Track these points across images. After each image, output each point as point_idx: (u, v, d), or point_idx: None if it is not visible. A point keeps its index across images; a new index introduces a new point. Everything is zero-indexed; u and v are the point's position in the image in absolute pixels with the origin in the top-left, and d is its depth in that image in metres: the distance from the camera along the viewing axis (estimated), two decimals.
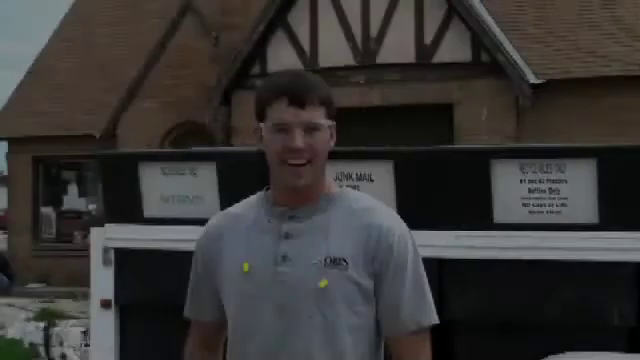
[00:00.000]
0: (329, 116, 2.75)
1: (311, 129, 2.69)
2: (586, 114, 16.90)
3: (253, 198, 2.90)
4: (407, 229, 2.82)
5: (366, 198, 2.88)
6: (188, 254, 3.01)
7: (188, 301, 2.96)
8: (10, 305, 18.38)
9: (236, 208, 2.93)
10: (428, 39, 17.77)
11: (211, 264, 2.85)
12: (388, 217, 2.80)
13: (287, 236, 2.74)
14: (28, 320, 10.98)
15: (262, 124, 2.74)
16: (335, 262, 2.68)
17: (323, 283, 2.66)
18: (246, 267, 2.74)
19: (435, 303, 2.98)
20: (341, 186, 2.94)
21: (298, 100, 2.67)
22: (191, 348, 2.98)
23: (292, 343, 2.67)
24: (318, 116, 2.70)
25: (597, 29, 18.45)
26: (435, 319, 2.79)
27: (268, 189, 2.86)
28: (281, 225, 2.75)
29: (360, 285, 2.69)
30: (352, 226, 2.74)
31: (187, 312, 2.97)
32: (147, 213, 7.66)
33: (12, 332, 10.26)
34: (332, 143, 2.79)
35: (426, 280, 2.82)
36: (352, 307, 2.69)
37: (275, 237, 2.75)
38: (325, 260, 2.69)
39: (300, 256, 2.71)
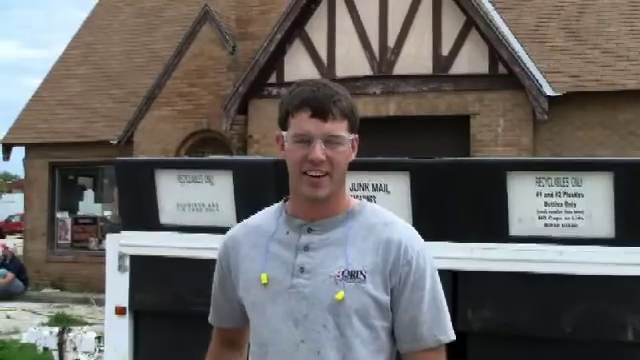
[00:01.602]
0: (351, 129, 2.75)
1: (332, 142, 2.68)
2: (603, 128, 16.87)
3: (272, 208, 2.90)
4: (425, 244, 2.82)
5: (384, 212, 2.88)
6: (203, 262, 3.03)
7: (212, 310, 2.98)
8: (25, 310, 18.42)
9: (255, 219, 2.93)
10: (445, 50, 17.77)
11: (230, 274, 2.87)
12: (407, 232, 2.80)
13: (305, 248, 2.74)
14: (42, 325, 11.00)
15: (284, 133, 2.74)
16: (353, 275, 2.68)
17: (339, 296, 2.66)
18: (264, 278, 2.74)
19: (449, 315, 2.99)
20: (360, 198, 2.92)
21: (321, 112, 2.67)
22: (212, 348, 3.00)
23: (307, 354, 2.67)
24: (340, 129, 2.70)
25: (615, 42, 18.42)
26: (452, 336, 2.80)
27: (287, 200, 2.86)
28: (300, 237, 2.76)
29: (377, 299, 2.69)
30: (370, 240, 2.74)
31: (211, 319, 2.99)
32: (163, 220, 7.68)
33: (26, 337, 10.28)
34: (353, 155, 2.79)
35: (443, 296, 2.82)
36: (367, 321, 2.69)
37: (293, 249, 2.75)
38: (342, 273, 2.69)
39: (317, 269, 2.71)
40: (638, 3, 19.18)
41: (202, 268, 2.99)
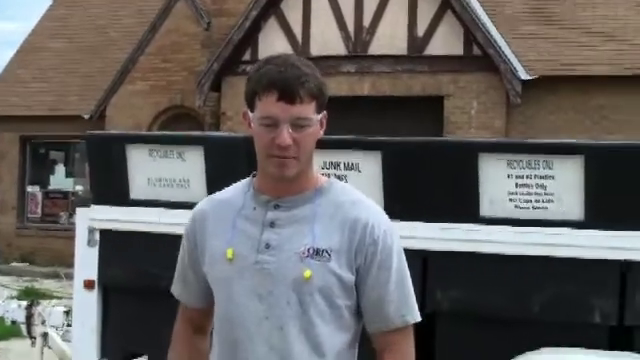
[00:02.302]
0: (320, 108, 2.71)
1: (300, 125, 2.65)
2: (575, 112, 16.96)
3: (240, 184, 2.88)
4: (391, 224, 2.80)
5: (352, 191, 2.86)
6: (174, 237, 3.01)
7: (175, 282, 2.96)
8: None
9: (222, 194, 2.91)
10: (420, 31, 17.78)
11: (197, 249, 2.84)
12: (373, 211, 2.78)
13: (272, 225, 2.72)
14: (11, 298, 10.94)
15: (251, 114, 2.71)
16: (318, 253, 2.66)
17: (307, 274, 2.65)
18: (230, 253, 2.72)
19: (418, 295, 2.98)
20: (328, 176, 2.91)
21: (288, 95, 2.62)
22: (179, 328, 2.97)
23: (270, 329, 2.66)
24: (308, 111, 2.66)
25: (589, 29, 18.49)
26: (418, 316, 2.79)
27: (255, 176, 2.84)
28: (266, 213, 2.73)
29: (341, 278, 2.67)
30: (337, 219, 2.72)
31: (174, 291, 2.97)
32: (133, 195, 7.65)
33: None
34: (321, 132, 2.76)
35: (409, 276, 2.80)
36: (331, 299, 2.68)
37: (259, 225, 2.73)
38: (308, 250, 2.67)
39: (283, 245, 2.69)
40: None
41: (172, 244, 2.97)
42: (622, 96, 16.99)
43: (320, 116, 2.73)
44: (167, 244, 3.05)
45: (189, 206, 3.03)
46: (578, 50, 18.04)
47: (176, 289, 2.95)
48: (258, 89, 2.68)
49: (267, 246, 2.69)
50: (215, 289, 2.79)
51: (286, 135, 2.62)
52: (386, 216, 2.81)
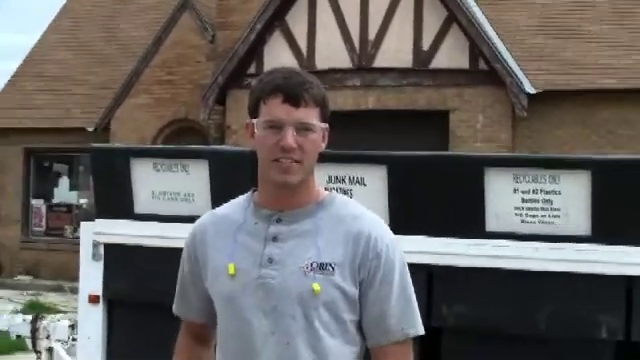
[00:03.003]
0: (323, 118, 2.72)
1: (304, 129, 2.65)
2: (581, 126, 16.95)
3: (239, 199, 2.88)
4: (394, 238, 2.80)
5: (354, 204, 2.86)
6: (178, 251, 3.00)
7: (176, 300, 2.95)
8: None
9: (223, 209, 2.91)
10: (426, 45, 17.80)
11: (197, 264, 2.84)
12: (376, 225, 2.78)
13: (274, 239, 2.71)
14: (15, 312, 10.96)
15: (255, 120, 2.71)
16: (322, 267, 2.66)
17: (314, 287, 2.64)
18: (231, 269, 2.71)
19: (424, 310, 2.98)
20: (330, 190, 2.91)
21: (293, 98, 2.64)
22: (182, 343, 2.97)
23: (277, 344, 2.65)
24: (312, 116, 2.67)
25: (596, 42, 18.49)
26: (421, 330, 2.78)
27: (255, 190, 2.84)
28: (268, 227, 2.73)
29: (345, 292, 2.67)
30: (340, 232, 2.71)
31: (176, 310, 2.96)
32: (138, 209, 7.66)
33: (0, 324, 10.25)
34: (323, 145, 2.75)
35: (412, 290, 2.80)
36: (336, 313, 2.67)
37: (262, 240, 2.72)
38: (312, 265, 2.66)
39: (286, 259, 2.68)
40: (619, 5, 19.25)
41: (176, 257, 2.97)
42: (629, 110, 16.99)
43: (323, 126, 2.73)
44: (172, 258, 3.05)
45: (193, 220, 3.03)
46: (584, 64, 18.03)
47: (177, 307, 2.95)
48: (263, 95, 2.69)
49: (270, 260, 2.69)
50: (218, 304, 2.78)
51: (291, 137, 2.62)
52: (389, 230, 2.81)
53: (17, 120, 23.28)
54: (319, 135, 2.71)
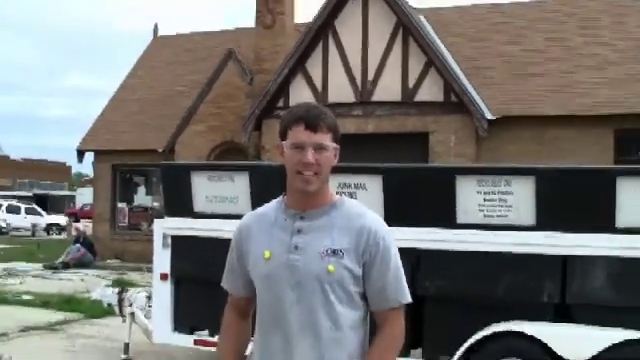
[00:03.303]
0: (335, 140, 2.72)
1: (320, 149, 2.66)
2: (531, 143, 16.81)
3: (274, 202, 2.86)
4: (389, 230, 2.79)
5: (359, 205, 2.84)
6: (226, 241, 3.01)
7: (224, 277, 2.94)
8: (94, 275, 18.43)
9: (261, 209, 2.89)
10: (411, 83, 17.75)
11: (242, 252, 2.83)
12: (375, 221, 2.77)
13: (298, 232, 2.71)
14: (106, 286, 10.99)
15: (284, 142, 2.72)
16: (334, 253, 2.66)
17: (329, 268, 2.65)
18: (267, 254, 2.71)
19: (411, 283, 2.99)
20: (340, 194, 2.90)
21: (312, 126, 2.65)
22: (227, 315, 2.95)
23: (301, 310, 2.66)
24: (326, 139, 2.67)
25: (541, 78, 18.35)
26: (409, 299, 2.78)
27: (285, 195, 2.84)
28: (294, 223, 2.73)
29: (352, 271, 2.67)
30: (348, 226, 2.71)
31: (224, 284, 2.94)
32: (196, 209, 7.70)
33: (95, 295, 10.27)
34: (335, 161, 2.75)
35: (402, 268, 2.79)
36: (345, 287, 2.67)
37: (289, 232, 2.72)
38: (327, 251, 2.66)
39: (308, 247, 2.68)
40: (556, 40, 19.09)
41: (225, 246, 2.98)
42: (569, 130, 16.83)
43: (335, 146, 2.72)
44: (221, 246, 3.06)
45: (238, 217, 3.04)
46: (533, 94, 17.88)
47: (225, 283, 2.92)
48: (290, 123, 2.69)
49: (295, 248, 2.68)
50: (257, 282, 2.77)
51: (310, 156, 2.63)
52: (385, 224, 2.80)
53: (106, 144, 23.37)
54: (332, 153, 2.71)
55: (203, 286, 7.20)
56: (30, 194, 52.98)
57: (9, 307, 13.02)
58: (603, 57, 18.51)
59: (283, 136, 2.74)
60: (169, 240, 7.78)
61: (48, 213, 43.87)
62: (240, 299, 2.92)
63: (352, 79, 18.31)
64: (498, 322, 6.51)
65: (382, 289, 2.72)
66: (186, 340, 7.70)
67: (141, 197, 24.15)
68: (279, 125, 2.80)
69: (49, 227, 40.65)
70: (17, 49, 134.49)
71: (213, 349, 6.82)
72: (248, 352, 2.91)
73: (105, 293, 9.78)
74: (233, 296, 2.94)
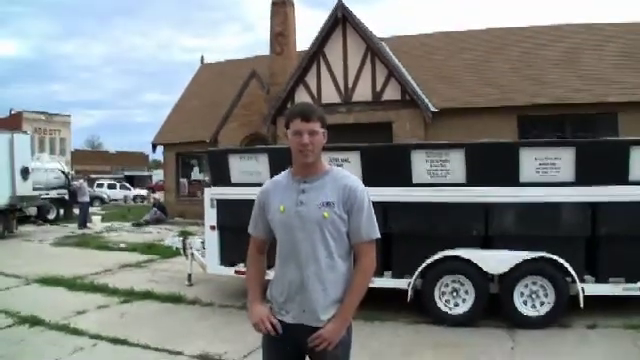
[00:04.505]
0: (323, 127, 2.69)
1: (313, 133, 2.63)
2: (466, 130, 16.55)
3: (284, 172, 2.82)
4: (364, 188, 2.74)
5: (344, 171, 2.80)
6: (252, 201, 2.96)
7: (250, 225, 2.89)
8: (166, 229, 18.44)
9: (276, 177, 2.84)
10: (378, 88, 17.62)
11: (263, 206, 2.79)
12: (355, 181, 2.73)
13: (302, 191, 2.68)
14: (174, 236, 10.99)
15: (288, 131, 2.69)
16: (328, 204, 2.63)
17: (323, 215, 2.62)
18: (282, 208, 2.69)
19: (382, 225, 2.94)
20: (331, 164, 2.85)
21: (307, 118, 2.64)
22: (250, 251, 2.91)
23: (307, 245, 2.63)
24: (316, 126, 2.64)
25: (471, 78, 18.17)
26: (378, 234, 2.73)
27: (291, 167, 2.80)
28: (299, 186, 2.70)
29: (340, 216, 2.65)
30: (336, 186, 2.67)
31: (250, 231, 2.91)
32: (232, 180, 7.65)
33: (167, 242, 10.27)
34: (324, 141, 2.71)
35: (374, 214, 2.74)
36: (337, 227, 2.64)
37: (296, 192, 2.69)
38: (322, 203, 2.64)
39: (309, 202, 2.65)
40: (475, 56, 18.93)
41: (251, 204, 2.93)
42: (496, 120, 16.60)
43: (324, 131, 2.69)
44: (249, 204, 3.01)
45: (260, 185, 2.99)
46: (467, 90, 17.69)
47: (251, 229, 2.89)
48: (291, 117, 2.68)
49: (301, 202, 2.65)
50: (275, 227, 2.73)
51: (306, 139, 2.62)
52: (362, 183, 2.75)
53: (171, 139, 23.28)
54: (321, 136, 2.68)
55: (239, 233, 7.14)
56: (122, 175, 53.11)
57: (111, 252, 13.06)
58: (511, 65, 18.37)
59: (287, 126, 2.72)
60: (215, 202, 7.75)
61: (134, 188, 44.11)
62: (259, 239, 2.88)
63: (337, 87, 18.20)
64: (443, 250, 6.49)
65: (357, 228, 2.67)
66: (228, 271, 7.70)
67: (196, 174, 24.17)
68: (284, 118, 2.75)
69: (135, 197, 40.96)
70: (107, 76, 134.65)
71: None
72: (270, 277, 2.86)
73: (174, 240, 9.77)
74: (254, 237, 2.90)
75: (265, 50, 20.89)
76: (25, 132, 22.32)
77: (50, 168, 23.52)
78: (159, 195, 26.14)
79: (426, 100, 17.27)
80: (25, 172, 17.59)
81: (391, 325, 6.38)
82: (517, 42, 19.57)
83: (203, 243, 8.58)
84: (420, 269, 6.46)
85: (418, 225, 6.64)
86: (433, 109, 17.13)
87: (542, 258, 6.15)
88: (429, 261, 6.43)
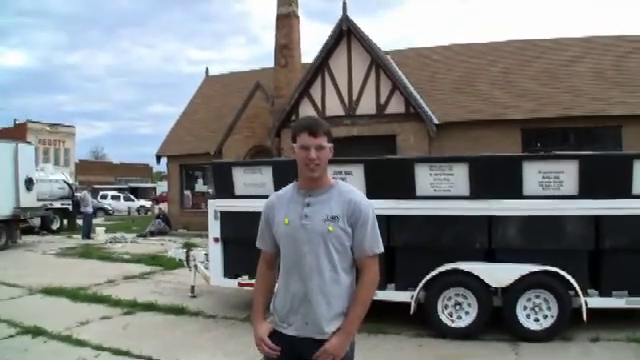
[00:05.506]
0: (329, 141, 2.70)
1: (320, 148, 2.65)
2: (468, 142, 16.63)
3: (290, 185, 2.84)
4: (369, 201, 2.76)
5: (348, 185, 2.82)
6: (257, 213, 2.98)
7: (258, 239, 2.91)
8: (169, 240, 18.45)
9: (281, 191, 2.85)
10: (382, 101, 17.69)
11: (269, 220, 2.80)
12: (359, 196, 2.74)
13: (307, 205, 2.69)
14: (178, 248, 11.00)
15: (294, 145, 2.71)
16: (332, 218, 2.64)
17: (328, 228, 2.63)
18: (286, 221, 2.70)
19: (385, 237, 2.96)
20: (335, 178, 2.88)
21: (314, 132, 2.65)
22: (260, 268, 2.92)
23: (311, 258, 2.64)
24: (323, 141, 2.66)
25: (473, 91, 18.24)
26: (382, 249, 2.75)
27: (297, 180, 2.82)
28: (304, 199, 2.71)
29: (344, 230, 2.65)
30: (341, 200, 2.68)
31: (257, 244, 2.93)
32: (236, 192, 7.68)
33: (170, 253, 10.28)
34: (331, 155, 2.73)
35: (378, 228, 2.75)
36: (341, 241, 2.65)
37: (301, 205, 2.70)
38: (327, 217, 2.65)
39: (314, 215, 2.66)
40: (479, 69, 19.01)
41: (257, 217, 2.96)
42: (497, 133, 16.66)
43: (330, 145, 2.70)
44: (254, 217, 3.04)
45: (265, 197, 3.02)
46: (468, 105, 17.76)
47: (258, 243, 2.90)
48: (298, 131, 2.68)
49: (306, 216, 2.66)
50: (281, 240, 2.74)
51: (313, 154, 2.63)
52: (366, 197, 2.76)
53: (175, 150, 23.34)
54: (328, 150, 2.69)
55: (242, 245, 7.17)
56: (126, 187, 53.18)
57: (115, 263, 13.10)
58: (513, 82, 18.43)
59: (294, 140, 2.72)
60: (219, 214, 7.76)
61: (138, 199, 44.12)
62: (268, 254, 2.89)
63: (342, 100, 18.27)
64: (446, 263, 6.49)
65: (361, 242, 2.68)
66: (232, 283, 7.70)
67: (200, 186, 24.18)
68: (291, 132, 2.77)
69: (139, 208, 40.95)
70: (112, 88, 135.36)
71: (250, 288, 6.83)
72: (275, 290, 2.88)
73: (177, 252, 9.79)
74: (264, 252, 2.91)
75: (270, 62, 21.05)
76: (29, 142, 22.43)
77: (54, 179, 23.63)
78: (162, 206, 26.20)
79: (430, 113, 17.33)
80: (29, 183, 17.68)
81: (394, 338, 6.38)
82: (520, 54, 19.68)
83: (206, 255, 8.59)
84: (423, 282, 6.46)
85: (421, 238, 6.65)
86: (437, 122, 17.18)
87: (545, 271, 6.15)
88: (433, 273, 6.43)
